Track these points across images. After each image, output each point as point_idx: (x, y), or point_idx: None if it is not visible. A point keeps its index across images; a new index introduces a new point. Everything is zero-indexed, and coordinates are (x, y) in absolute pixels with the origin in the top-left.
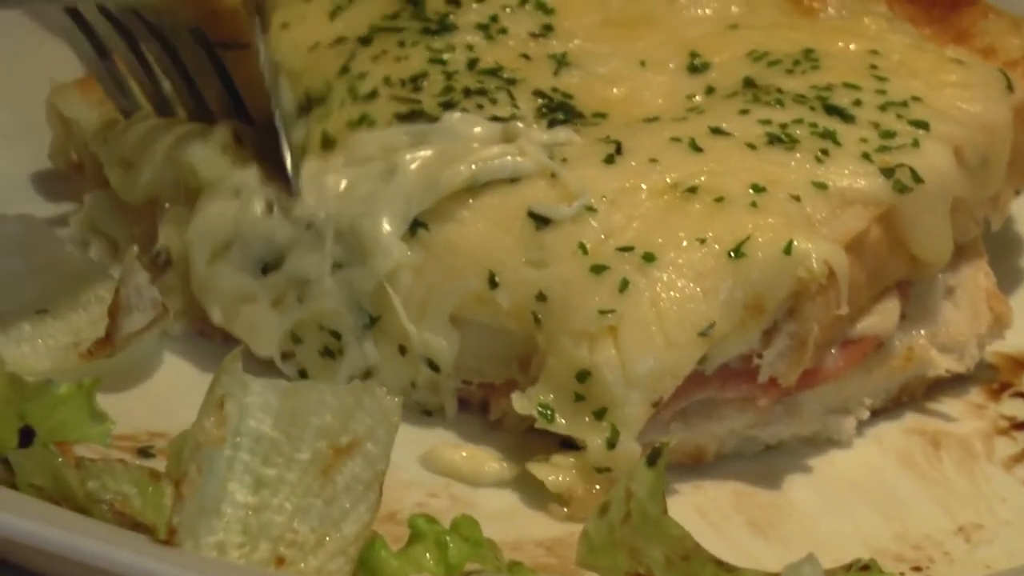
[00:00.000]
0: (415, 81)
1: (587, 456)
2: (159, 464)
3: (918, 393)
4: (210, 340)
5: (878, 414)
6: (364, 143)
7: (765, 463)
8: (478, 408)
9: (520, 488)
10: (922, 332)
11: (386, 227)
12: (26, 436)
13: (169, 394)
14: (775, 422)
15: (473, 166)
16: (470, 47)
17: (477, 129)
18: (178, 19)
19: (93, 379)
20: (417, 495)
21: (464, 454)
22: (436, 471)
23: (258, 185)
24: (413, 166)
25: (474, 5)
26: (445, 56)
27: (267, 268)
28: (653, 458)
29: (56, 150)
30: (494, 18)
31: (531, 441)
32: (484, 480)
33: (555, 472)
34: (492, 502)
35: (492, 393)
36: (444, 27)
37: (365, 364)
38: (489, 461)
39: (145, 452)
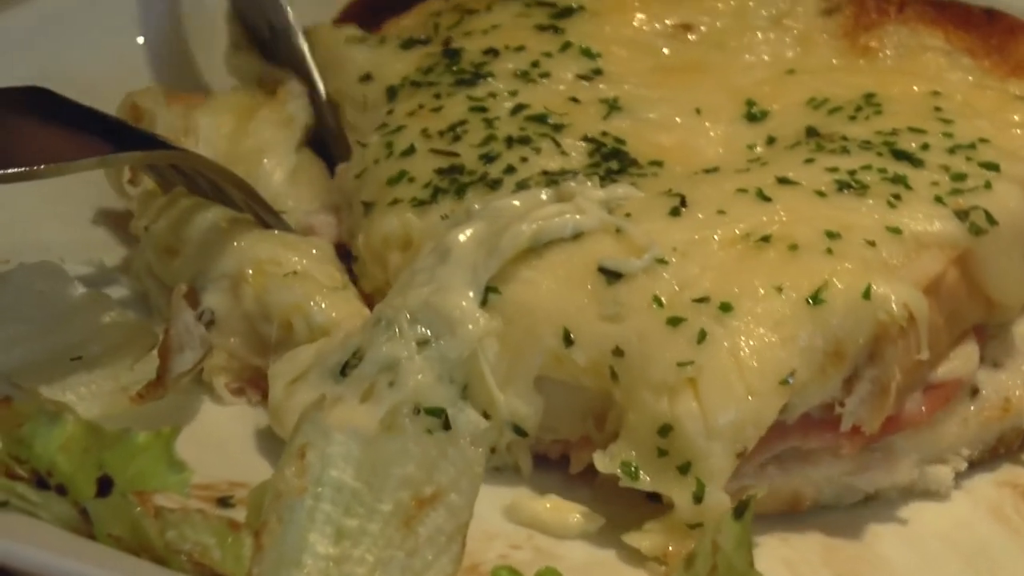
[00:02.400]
0: (454, 130)
1: (676, 514)
2: (239, 514)
3: (1014, 445)
4: (250, 399)
5: (972, 466)
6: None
7: (853, 515)
8: (556, 462)
9: (604, 540)
10: (1018, 382)
11: (465, 297)
12: (104, 485)
13: (244, 443)
14: (872, 469)
15: (534, 226)
16: (513, 92)
17: (516, 203)
18: None
19: (172, 428)
20: (500, 547)
21: (548, 505)
22: (519, 522)
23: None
24: (465, 241)
25: (513, 54)
26: (485, 103)
27: (345, 370)
28: (740, 511)
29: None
30: (535, 64)
31: (613, 492)
32: (568, 532)
33: (649, 538)
34: (576, 554)
35: (569, 448)
36: (480, 76)
37: (476, 431)
38: (573, 512)
39: (225, 502)
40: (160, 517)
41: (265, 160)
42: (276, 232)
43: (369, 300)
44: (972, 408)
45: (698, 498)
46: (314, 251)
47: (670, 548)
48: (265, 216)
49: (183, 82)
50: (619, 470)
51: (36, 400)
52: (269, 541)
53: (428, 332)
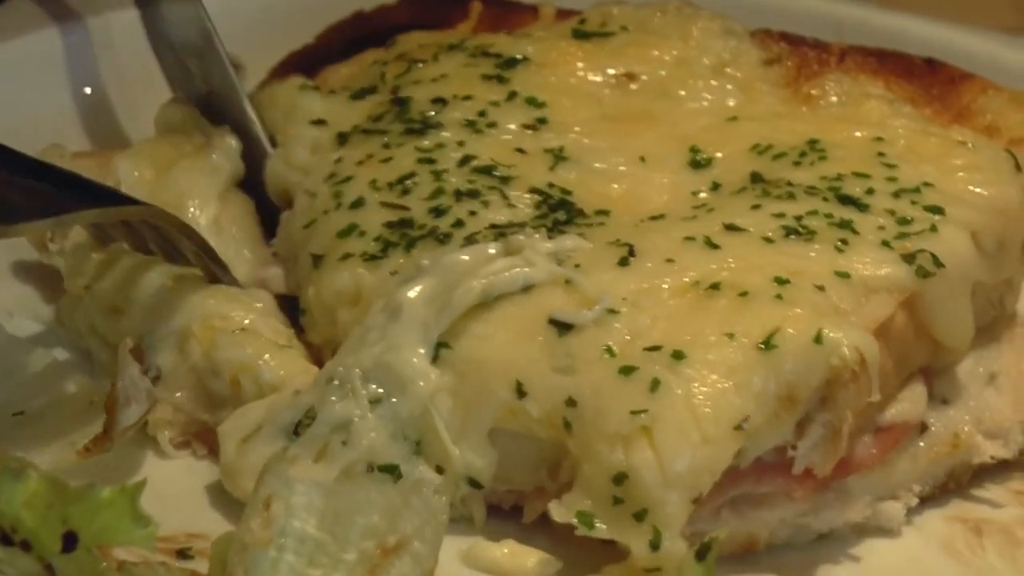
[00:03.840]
0: (403, 183)
1: (633, 560)
2: (198, 565)
3: (963, 480)
4: (195, 451)
5: (923, 501)
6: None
7: (807, 555)
8: (509, 512)
9: None
10: (966, 418)
11: (415, 354)
12: (70, 541)
13: (196, 494)
14: (826, 509)
15: (484, 281)
16: (460, 143)
17: (466, 257)
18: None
19: (136, 483)
20: None
21: (505, 551)
22: (477, 568)
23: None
24: (415, 298)
25: (461, 103)
26: (434, 155)
27: (298, 429)
28: (703, 553)
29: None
30: (482, 113)
31: (570, 537)
32: None
33: None
34: None
35: (523, 498)
36: (428, 125)
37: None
38: (530, 557)
39: (184, 554)
40: (124, 571)
41: (190, 206)
42: (222, 287)
43: (316, 352)
44: (922, 445)
45: (655, 545)
46: (259, 305)
47: None
48: (216, 269)
49: (119, 137)
50: (575, 519)
51: None
52: None
53: (380, 390)
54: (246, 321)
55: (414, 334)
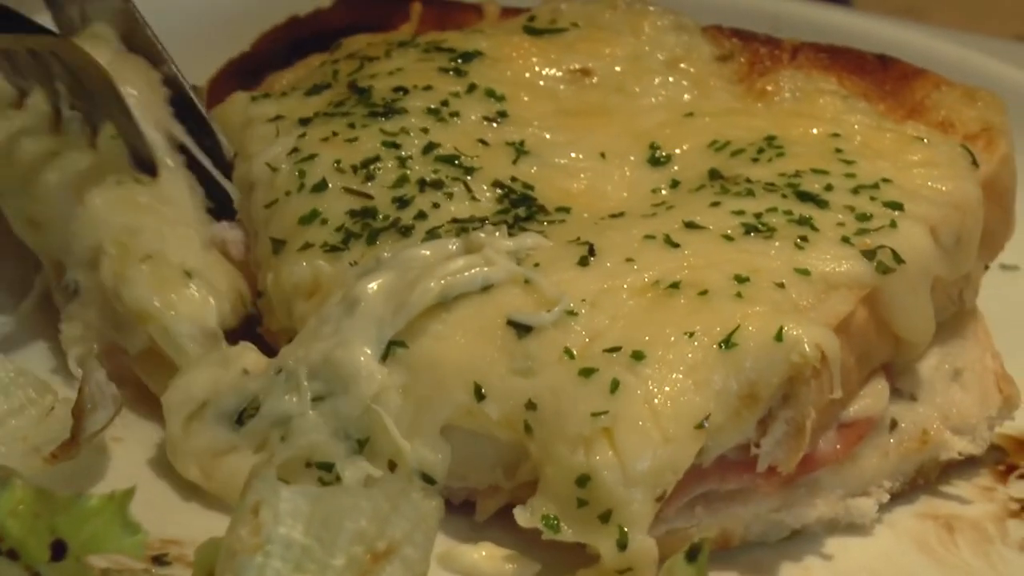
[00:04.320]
0: (367, 167)
1: (604, 563)
2: (175, 571)
3: (932, 476)
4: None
5: (893, 499)
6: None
7: (780, 551)
8: (460, 507)
9: None
10: (934, 415)
11: (363, 353)
12: (58, 550)
13: (164, 499)
14: (799, 504)
15: (442, 281)
16: (424, 130)
17: (426, 252)
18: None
19: (125, 490)
20: None
21: (483, 553)
22: (455, 571)
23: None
24: (373, 294)
25: (421, 91)
26: (398, 140)
27: (242, 418)
28: (693, 554)
29: None
30: (444, 102)
31: (522, 535)
32: None
33: None
34: None
35: (475, 495)
36: (392, 111)
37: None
38: (508, 559)
39: (160, 560)
40: None
41: None
42: (135, 191)
43: (273, 339)
44: (892, 441)
45: (622, 545)
46: (170, 211)
47: None
48: (131, 131)
49: None
50: (540, 523)
51: None
52: None
53: (325, 387)
54: (156, 245)
55: (366, 331)
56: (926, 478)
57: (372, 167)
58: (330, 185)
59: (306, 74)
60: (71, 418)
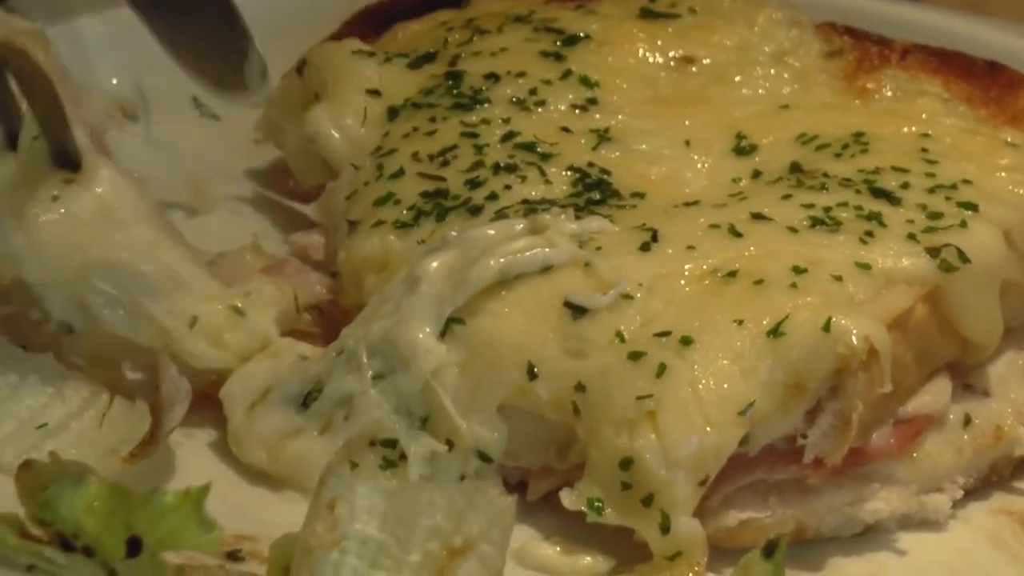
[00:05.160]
0: (443, 155)
1: (654, 551)
2: (250, 567)
3: (1006, 472)
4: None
5: (966, 495)
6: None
7: (855, 546)
8: (514, 488)
9: None
10: (1008, 411)
11: (422, 330)
12: (134, 546)
13: (233, 493)
14: (872, 499)
15: (502, 259)
16: (506, 120)
17: (491, 232)
18: None
19: (201, 486)
20: None
21: (558, 549)
22: (530, 567)
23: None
24: (435, 271)
25: (513, 80)
26: (478, 130)
27: (307, 401)
28: (770, 550)
29: None
30: (533, 91)
31: (576, 519)
32: (578, 575)
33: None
34: None
35: (529, 475)
36: (477, 101)
37: (431, 456)
38: (583, 554)
39: (234, 556)
40: (183, 575)
41: None
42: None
43: (348, 316)
44: (965, 437)
45: (665, 528)
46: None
47: None
48: (58, 129)
49: None
50: (585, 506)
51: (58, 462)
52: None
53: (385, 365)
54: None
55: (426, 308)
56: (1000, 474)
57: (448, 155)
58: (406, 172)
59: (428, 29)
60: (137, 415)
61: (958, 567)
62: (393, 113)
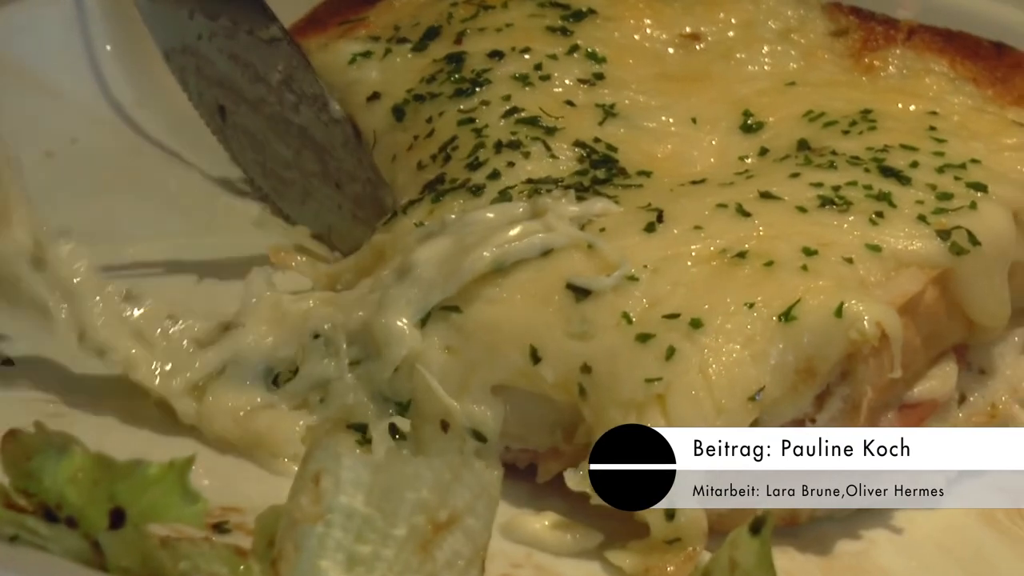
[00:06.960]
0: (444, 151)
1: (653, 532)
2: (236, 539)
3: None
4: None
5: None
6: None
7: (848, 525)
8: (524, 472)
9: (603, 556)
10: (1004, 388)
11: (399, 318)
12: (117, 518)
13: (217, 465)
14: None
15: (495, 249)
16: (506, 97)
17: (491, 215)
18: None
19: (186, 458)
20: (501, 566)
21: (546, 523)
22: (518, 540)
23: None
24: (427, 260)
25: (518, 56)
26: (476, 114)
27: (277, 380)
28: (757, 527)
29: None
30: (538, 66)
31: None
32: (567, 549)
33: (630, 556)
34: (577, 571)
35: (537, 458)
36: (478, 84)
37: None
38: (571, 529)
39: (220, 528)
40: (168, 547)
41: None
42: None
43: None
44: (960, 415)
45: (670, 515)
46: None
47: (647, 567)
48: None
49: None
50: (589, 488)
51: (42, 433)
52: (287, 569)
53: (362, 352)
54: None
55: (409, 296)
56: None
57: (448, 149)
58: (408, 184)
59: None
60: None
61: (949, 544)
62: (399, 113)
